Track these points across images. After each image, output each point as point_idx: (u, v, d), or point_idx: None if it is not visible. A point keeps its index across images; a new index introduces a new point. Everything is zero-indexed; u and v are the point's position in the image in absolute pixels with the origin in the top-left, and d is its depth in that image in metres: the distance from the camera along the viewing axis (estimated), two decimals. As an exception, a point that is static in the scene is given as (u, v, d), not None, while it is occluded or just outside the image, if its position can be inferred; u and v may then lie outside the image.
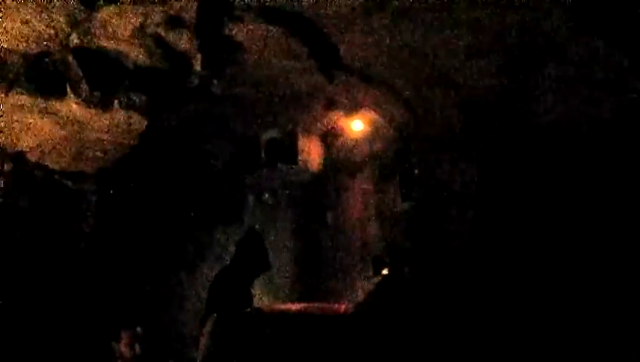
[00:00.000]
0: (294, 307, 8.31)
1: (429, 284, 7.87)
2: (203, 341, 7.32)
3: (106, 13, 6.02)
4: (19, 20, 5.84)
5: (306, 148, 10.53)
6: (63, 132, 7.27)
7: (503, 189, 7.64)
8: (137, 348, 7.67)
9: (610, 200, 6.73)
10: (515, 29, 6.46)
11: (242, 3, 6.38)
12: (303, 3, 6.40)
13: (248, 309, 7.26)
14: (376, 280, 8.81)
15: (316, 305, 8.55)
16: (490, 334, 7.26)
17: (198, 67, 7.13)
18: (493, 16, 6.36)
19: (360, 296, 9.21)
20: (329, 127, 10.36)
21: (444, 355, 7.14)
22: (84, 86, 6.71)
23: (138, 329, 7.85)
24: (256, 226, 10.53)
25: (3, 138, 7.10)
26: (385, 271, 8.93)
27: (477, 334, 7.27)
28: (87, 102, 6.85)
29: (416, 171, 9.07)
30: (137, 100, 7.15)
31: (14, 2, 5.62)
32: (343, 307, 8.37)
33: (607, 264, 6.64)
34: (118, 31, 6.31)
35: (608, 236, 6.69)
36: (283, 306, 8.51)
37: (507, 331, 7.18)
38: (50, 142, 7.40)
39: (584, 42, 6.33)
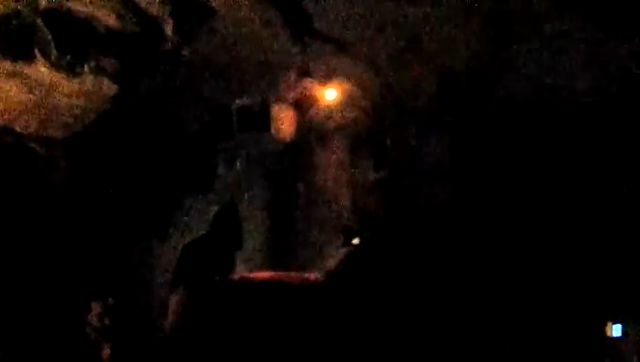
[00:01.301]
0: (264, 275, 8.31)
1: (399, 254, 7.90)
2: (172, 309, 7.32)
3: (75, -25, 5.92)
4: (-15, -20, 5.71)
5: (279, 117, 10.44)
6: (31, 96, 7.13)
7: (476, 160, 7.67)
8: (107, 319, 7.65)
9: (585, 173, 6.80)
10: (495, 1, 6.47)
11: (216, -33, 6.32)
12: (278, -31, 6.35)
13: (217, 278, 7.26)
14: (346, 249, 8.84)
15: (286, 273, 8.56)
16: (459, 303, 7.33)
17: (169, 32, 7.05)
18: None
19: (330, 264, 9.23)
20: (302, 96, 10.29)
21: (413, 324, 7.21)
22: (53, 49, 6.59)
23: (109, 300, 7.81)
24: (228, 195, 10.51)
25: (-31, 101, 6.96)
26: (356, 241, 8.96)
27: (445, 304, 7.33)
28: (56, 66, 6.73)
29: (388, 141, 9.07)
30: (107, 65, 7.05)
31: (-20, -39, 5.51)
32: (312, 276, 8.39)
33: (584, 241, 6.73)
34: (88, -7, 6.21)
35: (585, 209, 6.78)
36: (252, 275, 8.48)
37: (476, 300, 7.25)
38: (18, 106, 7.26)
39: (562, 16, 6.35)
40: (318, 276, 8.40)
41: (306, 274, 8.51)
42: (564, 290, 6.74)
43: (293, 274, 8.65)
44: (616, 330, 4.90)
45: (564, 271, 6.79)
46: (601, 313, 6.30)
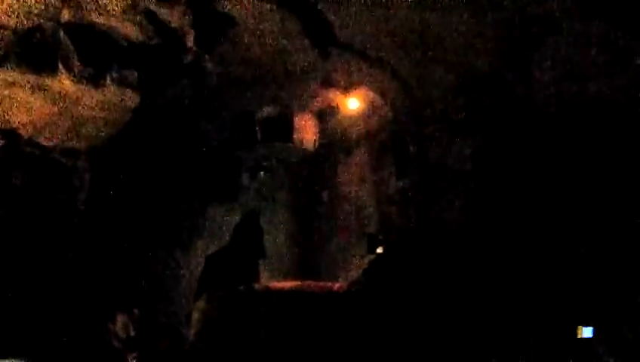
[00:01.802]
0: (288, 285, 8.32)
1: (423, 263, 7.86)
2: (196, 318, 7.35)
3: (97, -12, 5.98)
4: (9, -5, 5.78)
5: (302, 126, 10.48)
6: (55, 108, 7.21)
7: (498, 168, 7.62)
8: (131, 329, 7.69)
9: (607, 179, 6.73)
10: (512, 5, 6.42)
11: (236, -21, 6.35)
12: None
13: (241, 287, 7.27)
14: (370, 258, 8.83)
15: (310, 282, 8.56)
16: (481, 311, 7.27)
17: (190, 43, 7.07)
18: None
19: (354, 273, 9.21)
20: (325, 105, 10.30)
21: (436, 332, 7.16)
22: (76, 61, 6.64)
23: (135, 311, 7.86)
24: (251, 204, 10.56)
25: (-5, 114, 7.05)
26: (379, 250, 8.93)
27: (468, 312, 7.27)
28: (79, 78, 6.79)
29: (411, 150, 9.03)
30: (130, 76, 7.10)
31: (4, -23, 5.59)
32: (336, 285, 8.39)
33: (604, 243, 6.66)
34: (109, 6, 6.25)
35: (605, 215, 6.70)
36: (277, 284, 8.50)
37: (499, 309, 7.19)
38: (42, 118, 7.34)
39: (582, 21, 6.29)
40: (342, 285, 8.40)
41: (330, 284, 8.52)
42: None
43: (317, 283, 8.66)
44: (586, 332, 4.94)
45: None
46: (574, 316, 6.32)
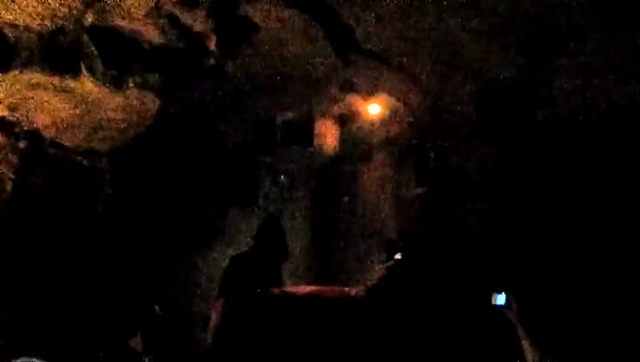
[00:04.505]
0: (305, 289, 8.29)
1: (441, 269, 7.84)
2: (213, 322, 7.35)
3: (120, -8, 6.04)
4: (34, -2, 5.85)
5: (322, 131, 10.48)
6: (77, 110, 7.28)
7: (518, 176, 7.59)
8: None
9: (629, 189, 6.68)
10: (535, 13, 6.39)
11: (258, -16, 6.38)
12: (320, -15, 6.38)
13: (258, 291, 7.25)
14: (387, 264, 8.79)
15: (327, 288, 8.53)
16: (501, 318, 7.23)
17: (212, 47, 7.12)
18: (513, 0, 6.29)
19: (372, 279, 9.19)
20: (345, 110, 10.31)
21: (454, 340, 7.13)
22: (99, 64, 6.71)
23: (156, 307, 7.87)
24: (271, 208, 10.56)
25: (18, 115, 7.12)
26: (397, 256, 8.90)
27: (486, 320, 7.24)
28: (102, 81, 6.85)
29: (431, 156, 9.03)
30: (152, 80, 7.15)
31: (29, -20, 5.66)
32: (354, 290, 8.36)
33: (627, 255, 6.61)
34: (132, 10, 6.30)
35: (625, 226, 6.65)
36: (294, 289, 8.47)
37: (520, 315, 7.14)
38: (64, 120, 7.42)
39: (605, 29, 6.26)
40: (359, 291, 8.37)
41: (347, 289, 8.49)
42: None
43: (333, 288, 8.63)
44: (500, 299, 4.93)
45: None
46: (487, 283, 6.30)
